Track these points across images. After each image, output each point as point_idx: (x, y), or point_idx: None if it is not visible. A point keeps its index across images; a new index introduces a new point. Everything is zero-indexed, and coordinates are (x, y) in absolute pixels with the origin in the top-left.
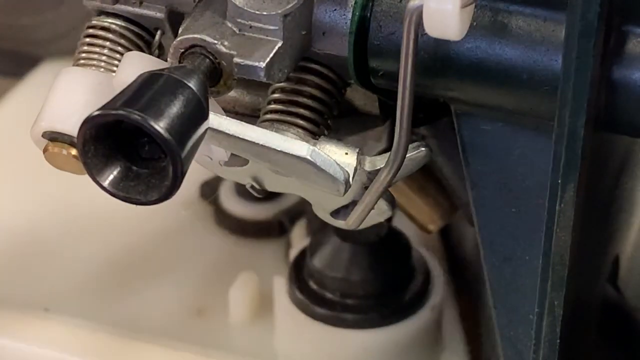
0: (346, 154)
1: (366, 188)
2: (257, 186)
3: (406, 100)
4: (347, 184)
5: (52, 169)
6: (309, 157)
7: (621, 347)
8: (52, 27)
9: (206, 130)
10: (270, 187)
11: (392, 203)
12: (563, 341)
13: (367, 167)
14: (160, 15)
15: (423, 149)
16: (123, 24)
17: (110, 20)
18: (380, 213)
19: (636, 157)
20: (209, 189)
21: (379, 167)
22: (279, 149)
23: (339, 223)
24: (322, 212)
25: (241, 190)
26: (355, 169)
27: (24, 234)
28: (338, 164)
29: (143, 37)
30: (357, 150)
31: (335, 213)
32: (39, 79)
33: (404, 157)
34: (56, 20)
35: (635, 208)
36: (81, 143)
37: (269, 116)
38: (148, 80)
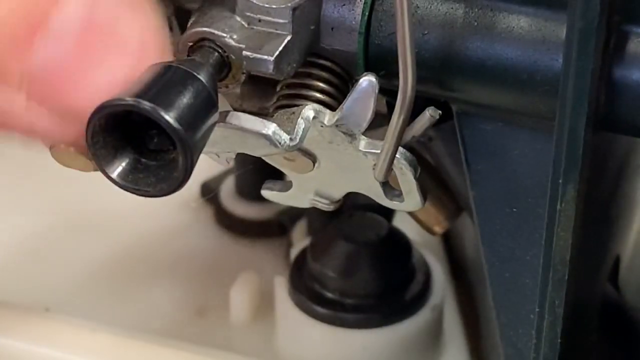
0: (304, 109)
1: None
2: (324, 201)
3: (407, 35)
4: (276, 135)
5: (53, 170)
6: (227, 121)
7: (621, 347)
8: None
9: (215, 122)
10: (337, 195)
11: (424, 196)
12: (563, 341)
13: (327, 121)
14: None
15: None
16: None
17: None
18: (414, 204)
19: (636, 156)
20: (210, 189)
21: (337, 119)
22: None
23: (397, 205)
24: (382, 200)
25: (242, 190)
26: (308, 119)
27: (25, 234)
28: (261, 121)
29: None
30: (313, 106)
31: (389, 196)
32: None
33: (413, 98)
34: None
35: (635, 208)
36: (90, 134)
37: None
38: (157, 72)
